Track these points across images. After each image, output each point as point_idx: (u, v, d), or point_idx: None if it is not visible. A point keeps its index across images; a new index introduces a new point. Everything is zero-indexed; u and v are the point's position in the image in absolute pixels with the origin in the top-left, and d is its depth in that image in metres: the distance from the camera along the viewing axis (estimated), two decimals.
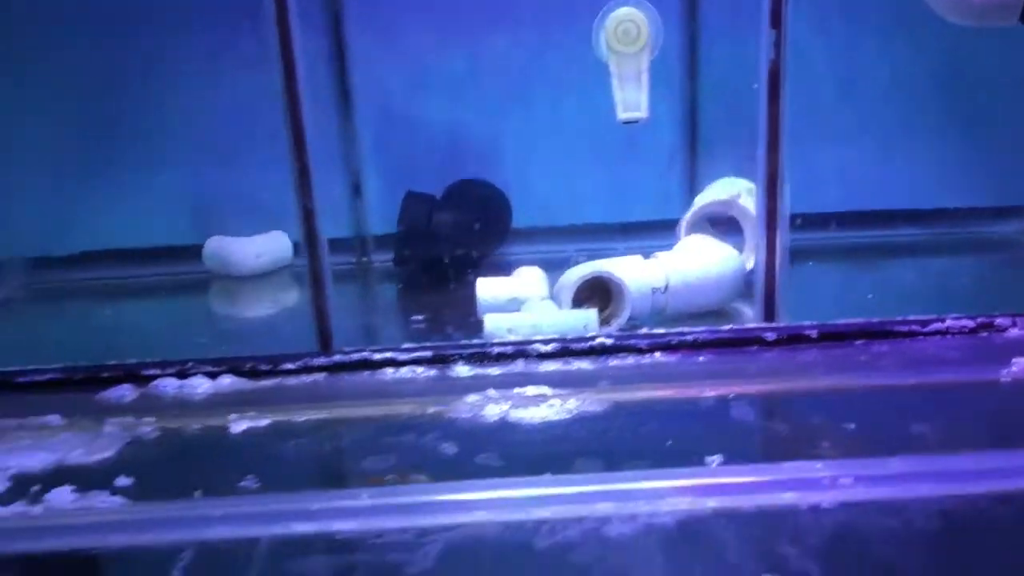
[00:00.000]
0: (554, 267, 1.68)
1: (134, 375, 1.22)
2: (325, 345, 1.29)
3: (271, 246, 1.75)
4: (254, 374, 1.23)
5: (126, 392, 1.19)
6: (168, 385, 1.21)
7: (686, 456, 0.99)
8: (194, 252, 1.76)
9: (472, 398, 1.14)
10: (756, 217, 1.53)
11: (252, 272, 1.73)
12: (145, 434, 1.09)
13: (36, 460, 1.03)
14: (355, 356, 1.24)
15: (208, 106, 1.73)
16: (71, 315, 1.65)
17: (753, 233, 1.55)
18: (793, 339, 1.26)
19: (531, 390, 1.15)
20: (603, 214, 1.77)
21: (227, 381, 1.22)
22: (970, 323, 1.26)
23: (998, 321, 1.26)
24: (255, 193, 1.77)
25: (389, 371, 1.24)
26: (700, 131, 1.70)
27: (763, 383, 1.16)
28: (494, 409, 1.11)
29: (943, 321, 1.26)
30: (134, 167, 1.73)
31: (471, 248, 1.72)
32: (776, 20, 1.18)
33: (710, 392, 1.14)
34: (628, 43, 1.21)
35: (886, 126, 1.68)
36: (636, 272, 1.40)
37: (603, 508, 0.90)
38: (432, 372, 1.23)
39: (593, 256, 1.74)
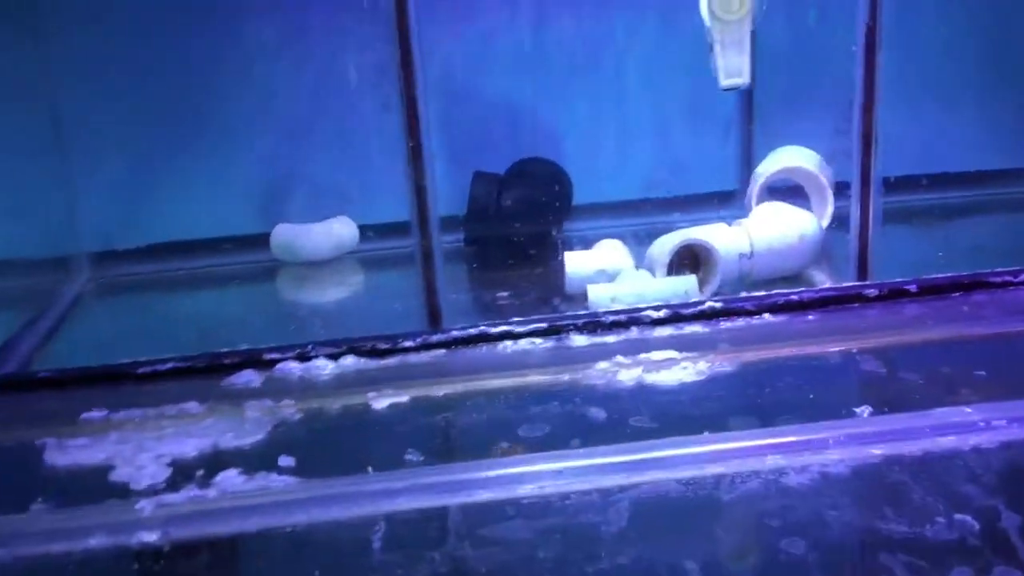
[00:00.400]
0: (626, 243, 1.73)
1: (256, 360, 1.23)
2: (435, 322, 1.31)
3: (337, 232, 1.76)
4: (375, 353, 1.24)
5: (252, 377, 1.20)
6: (292, 368, 1.22)
7: (834, 409, 1.02)
8: (261, 241, 1.75)
9: (602, 365, 1.16)
10: (825, 184, 1.58)
11: (320, 258, 1.74)
12: (289, 416, 1.10)
13: (189, 446, 1.04)
14: (472, 331, 1.26)
15: (272, 92, 1.72)
16: (147, 308, 1.64)
17: (821, 200, 1.59)
18: (894, 294, 1.30)
19: (657, 355, 1.17)
20: (661, 187, 1.79)
21: (349, 361, 1.23)
22: None
23: None
24: (319, 179, 1.77)
25: (507, 343, 1.26)
26: (756, 101, 1.73)
27: (881, 336, 1.20)
28: (627, 374, 1.14)
29: None
30: (198, 156, 1.72)
31: (538, 225, 1.74)
32: None
33: (832, 348, 1.17)
34: (732, 11, 1.23)
35: (943, 87, 1.72)
36: (724, 239, 1.43)
37: (773, 461, 0.93)
38: (549, 343, 1.25)
39: (657, 229, 1.78)
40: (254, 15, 1.71)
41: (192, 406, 1.13)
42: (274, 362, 1.23)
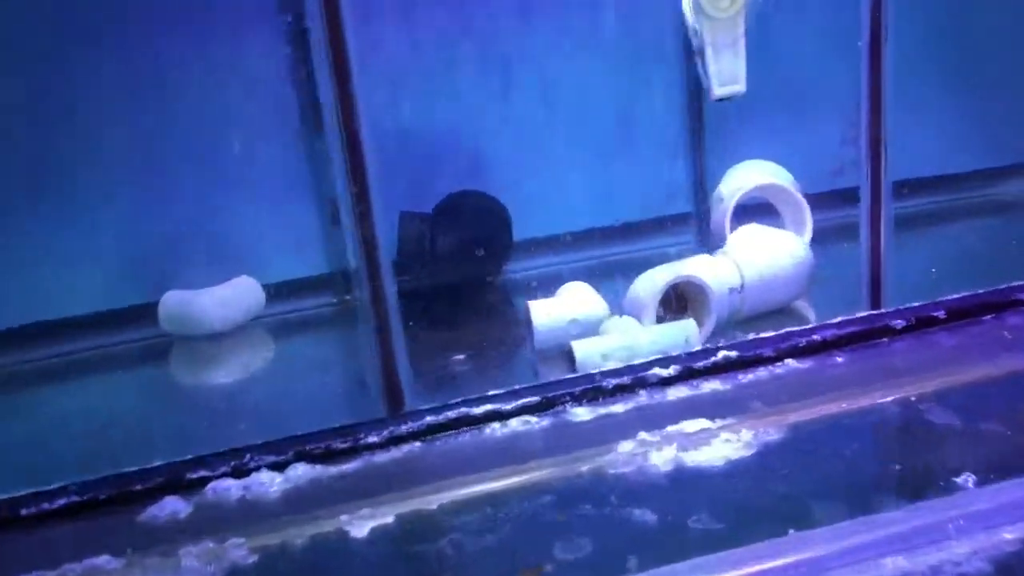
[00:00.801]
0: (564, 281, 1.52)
1: (179, 482, 0.95)
2: (395, 403, 1.06)
3: (239, 296, 1.47)
4: (331, 456, 0.98)
5: (177, 506, 0.92)
6: (228, 487, 0.94)
7: (930, 481, 0.84)
8: (146, 313, 1.45)
9: (626, 446, 0.94)
10: (801, 200, 1.42)
11: (221, 329, 1.45)
12: (240, 560, 0.83)
13: None
14: (450, 414, 1.02)
15: (145, 137, 1.43)
16: (13, 412, 1.31)
17: (796, 217, 1.43)
18: (922, 322, 1.14)
19: (688, 426, 0.97)
20: (609, 215, 1.60)
21: (300, 471, 0.96)
22: None
23: None
24: (211, 235, 1.49)
25: (495, 425, 1.02)
26: (706, 116, 1.56)
27: (931, 378, 1.02)
28: (660, 456, 0.92)
29: None
30: (59, 218, 1.41)
31: (477, 268, 1.51)
32: None
33: (885, 397, 0.99)
34: (723, 7, 1.04)
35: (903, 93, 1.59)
36: (713, 273, 1.24)
37: (894, 564, 0.74)
38: (546, 421, 1.03)
39: (612, 263, 1.58)
40: (121, 46, 1.41)
41: (104, 560, 0.84)
42: (203, 481, 0.95)
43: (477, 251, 1.50)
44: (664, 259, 1.58)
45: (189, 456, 0.98)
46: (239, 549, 0.84)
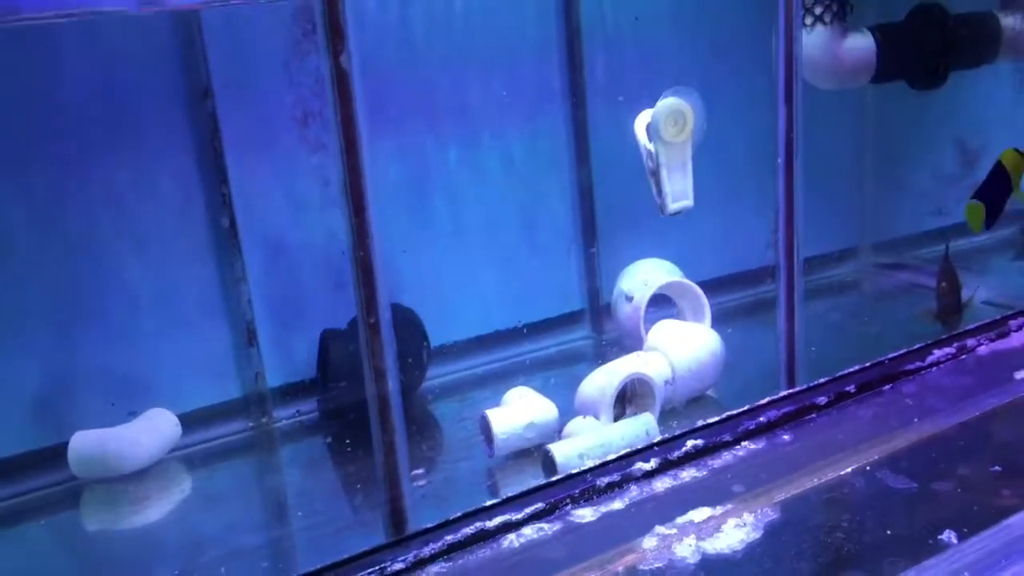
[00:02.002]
0: (489, 384, 1.58)
1: None
2: (399, 528, 1.07)
3: (156, 429, 1.39)
4: None
5: None
6: None
7: (919, 540, 0.98)
8: (48, 456, 1.34)
9: (650, 542, 1.01)
10: (700, 294, 1.56)
11: (139, 467, 1.36)
12: None
13: None
14: (467, 530, 1.04)
15: (44, 267, 1.34)
16: None
17: (694, 308, 1.57)
18: (840, 396, 1.30)
19: (695, 515, 1.05)
20: (509, 317, 1.67)
21: None
22: (951, 349, 1.41)
23: (968, 342, 1.42)
24: (118, 368, 1.40)
25: (510, 536, 1.05)
26: (597, 215, 1.68)
27: (871, 448, 1.17)
28: (683, 548, 1.00)
29: (931, 352, 1.39)
30: None
31: (403, 380, 1.52)
32: (789, 97, 1.22)
33: (844, 470, 1.13)
34: (675, 133, 1.16)
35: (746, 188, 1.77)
36: (651, 368, 1.35)
37: None
38: (556, 526, 1.07)
39: (526, 363, 1.65)
40: (22, 166, 1.32)
41: None
42: None
43: (403, 362, 1.52)
44: (568, 356, 1.69)
45: None
46: None
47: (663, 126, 1.19)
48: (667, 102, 1.20)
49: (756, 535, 1.02)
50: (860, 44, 1.60)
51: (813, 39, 1.52)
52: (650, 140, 1.22)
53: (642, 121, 1.24)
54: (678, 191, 1.22)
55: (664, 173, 1.21)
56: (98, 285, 1.39)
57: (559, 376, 1.59)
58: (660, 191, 1.23)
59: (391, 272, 1.56)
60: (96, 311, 1.39)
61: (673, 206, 1.23)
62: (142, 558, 1.19)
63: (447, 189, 1.60)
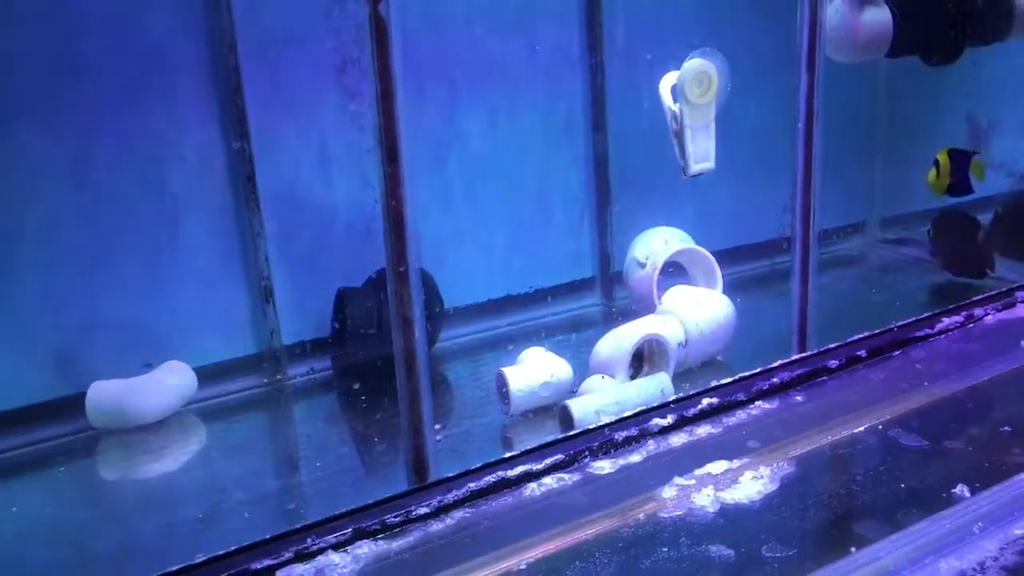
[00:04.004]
0: (501, 347, 1.59)
1: (244, 572, 0.92)
2: (420, 474, 1.08)
3: (174, 383, 1.41)
4: (388, 530, 0.99)
5: None
6: (301, 574, 0.93)
7: (934, 494, 1.00)
8: (64, 407, 1.35)
9: (669, 492, 1.03)
10: (712, 261, 1.58)
11: (154, 419, 1.38)
12: None
13: None
14: (489, 478, 1.06)
15: (66, 221, 1.34)
16: None
17: (707, 275, 1.58)
18: (851, 361, 1.32)
19: (712, 468, 1.07)
20: (521, 282, 1.68)
21: (364, 550, 0.96)
22: (959, 318, 1.43)
23: (976, 311, 1.45)
24: (137, 322, 1.41)
25: (531, 485, 1.07)
26: (611, 184, 1.70)
27: (884, 408, 1.19)
28: (701, 498, 1.02)
29: (940, 320, 1.42)
30: None
31: None
32: (811, 64, 1.23)
33: (857, 428, 1.15)
34: (700, 94, 1.18)
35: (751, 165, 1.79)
36: (666, 330, 1.37)
37: (947, 564, 0.88)
38: (576, 476, 1.09)
39: (538, 326, 1.67)
40: (32, 125, 1.33)
41: None
42: (271, 570, 0.93)
43: None
44: (579, 321, 1.71)
45: (247, 543, 0.95)
46: None
47: (689, 87, 1.21)
48: (693, 63, 1.22)
49: (773, 487, 1.04)
50: (877, 18, 1.61)
51: (831, 11, 1.53)
52: (675, 101, 1.23)
53: (667, 82, 1.25)
54: (700, 153, 1.23)
55: (688, 134, 1.22)
56: (118, 237, 1.40)
57: (570, 341, 1.61)
58: (683, 152, 1.24)
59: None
60: (115, 263, 1.40)
61: (695, 167, 1.25)
62: (163, 503, 1.20)
63: (463, 153, 1.61)
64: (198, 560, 0.93)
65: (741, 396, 1.24)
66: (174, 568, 0.92)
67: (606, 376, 1.30)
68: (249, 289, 1.49)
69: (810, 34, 1.24)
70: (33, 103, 1.32)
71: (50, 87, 1.33)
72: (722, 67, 1.23)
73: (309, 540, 0.96)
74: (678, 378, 1.38)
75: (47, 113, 1.33)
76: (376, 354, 1.48)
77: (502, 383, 1.32)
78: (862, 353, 1.34)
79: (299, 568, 0.94)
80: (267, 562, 0.94)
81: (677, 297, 1.45)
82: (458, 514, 1.03)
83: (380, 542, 0.98)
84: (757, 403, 1.24)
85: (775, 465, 1.08)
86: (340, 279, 1.52)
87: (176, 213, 1.43)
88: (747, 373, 1.27)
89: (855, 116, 1.91)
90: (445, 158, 1.60)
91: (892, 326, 1.40)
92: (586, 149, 1.68)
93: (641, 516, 1.00)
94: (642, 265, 1.56)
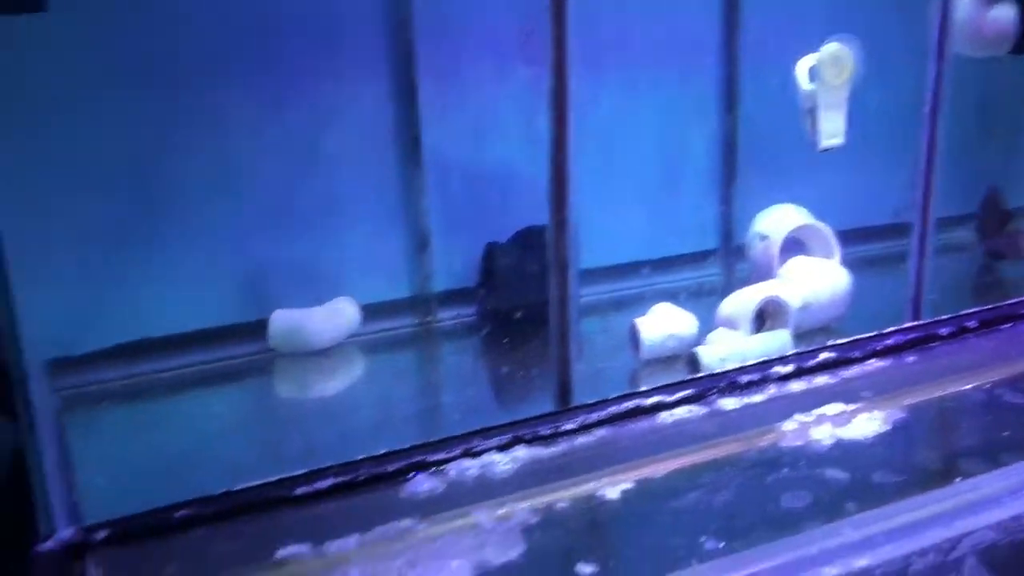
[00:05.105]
0: (625, 307, 1.73)
1: (421, 464, 1.09)
2: (564, 399, 1.24)
3: (342, 315, 1.60)
4: (540, 440, 1.15)
5: (432, 483, 1.06)
6: (466, 467, 1.09)
7: None
8: (242, 331, 1.55)
9: (789, 425, 1.16)
10: (831, 238, 1.68)
11: (323, 346, 1.57)
12: (526, 519, 0.98)
13: (458, 569, 0.90)
14: (628, 404, 1.21)
15: (255, 168, 1.54)
16: (161, 421, 1.38)
17: (824, 252, 1.69)
18: (961, 330, 1.42)
19: (828, 409, 1.20)
20: (647, 249, 1.82)
21: (521, 453, 1.12)
22: None
23: None
24: (311, 260, 1.61)
25: (663, 414, 1.22)
26: (738, 162, 1.82)
27: (992, 371, 1.30)
28: (819, 432, 1.15)
29: None
30: (173, 241, 1.50)
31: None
32: (941, 53, 1.34)
33: (964, 386, 1.26)
34: (837, 75, 1.30)
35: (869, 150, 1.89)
36: (788, 294, 1.49)
37: None
38: (703, 410, 1.23)
39: (662, 291, 1.80)
40: (227, 82, 1.53)
41: (407, 524, 0.98)
42: (442, 463, 1.10)
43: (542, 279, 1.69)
44: (700, 289, 1.83)
45: (422, 442, 1.12)
46: (520, 510, 1.00)
47: (825, 68, 1.32)
48: (831, 47, 1.33)
49: (885, 427, 1.16)
50: (1004, 14, 1.69)
51: (960, 4, 1.62)
52: (811, 81, 1.35)
53: (805, 64, 1.37)
54: (831, 130, 1.35)
55: (820, 113, 1.34)
56: (300, 187, 1.59)
57: (694, 304, 1.74)
58: (815, 129, 1.36)
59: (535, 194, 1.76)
60: (297, 210, 1.59)
61: (825, 143, 1.36)
62: (339, 413, 1.39)
63: (599, 125, 1.75)
64: (381, 452, 1.11)
65: (856, 354, 1.36)
66: (360, 457, 1.10)
67: (731, 330, 1.44)
68: (409, 239, 1.67)
69: (941, 25, 1.34)
70: (231, 66, 1.52)
71: (246, 51, 1.53)
72: (857, 53, 1.34)
73: (475, 442, 1.13)
74: (795, 340, 1.50)
75: (243, 75, 1.53)
76: (517, 303, 1.64)
77: (634, 332, 1.46)
78: (973, 324, 1.44)
79: (468, 462, 1.10)
80: (441, 455, 1.11)
81: (797, 266, 1.57)
82: (599, 432, 1.18)
83: (534, 448, 1.14)
84: (871, 361, 1.35)
85: (887, 411, 1.20)
86: (488, 235, 1.68)
87: (349, 169, 1.61)
88: (861, 336, 1.39)
89: (969, 108, 1.98)
90: (582, 128, 1.75)
91: (1002, 303, 1.50)
92: (717, 128, 1.81)
93: (764, 443, 1.14)
94: (764, 238, 1.68)
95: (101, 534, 0.95)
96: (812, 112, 1.34)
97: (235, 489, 1.03)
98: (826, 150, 1.37)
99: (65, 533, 0.95)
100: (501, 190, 1.71)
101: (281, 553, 0.93)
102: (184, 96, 1.49)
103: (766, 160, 1.82)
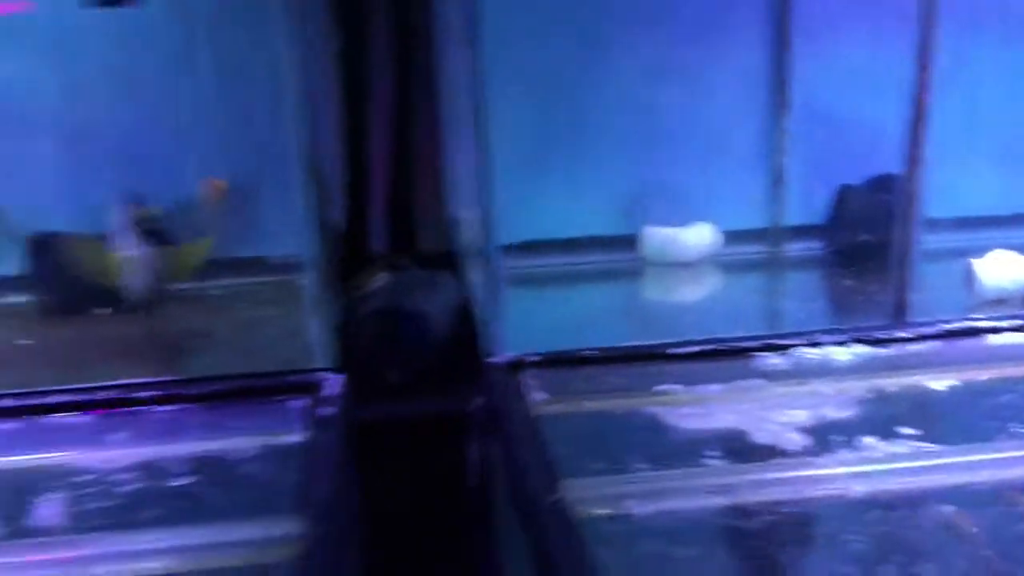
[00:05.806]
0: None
1: (773, 346, 1.34)
2: (898, 314, 1.43)
3: (706, 237, 1.88)
4: (875, 342, 1.36)
5: (777, 360, 1.31)
6: (807, 354, 1.33)
7: None
8: (618, 242, 1.88)
9: None
10: None
11: (689, 260, 1.86)
12: (862, 395, 1.21)
13: (800, 415, 1.15)
14: (960, 324, 1.38)
15: (649, 107, 1.85)
16: (574, 298, 1.77)
17: None
18: None
19: None
20: (1002, 205, 1.91)
21: (859, 350, 1.34)
22: None
23: None
24: (683, 187, 1.89)
25: (994, 337, 1.37)
26: None
27: None
28: None
29: None
30: (577, 161, 1.85)
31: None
32: None
33: None
34: None
35: None
36: None
37: None
38: None
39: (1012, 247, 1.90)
40: (643, 41, 1.83)
41: (759, 383, 1.24)
42: (787, 347, 1.34)
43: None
44: None
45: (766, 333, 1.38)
46: (857, 386, 1.22)
47: None
48: None
49: None
50: None
51: None
52: None
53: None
54: None
55: None
56: (679, 121, 1.87)
57: None
58: None
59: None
60: (676, 144, 1.87)
61: None
62: (701, 311, 1.67)
63: (971, 80, 1.86)
64: (748, 335, 1.37)
65: None
66: (723, 336, 1.37)
67: None
68: (768, 175, 1.90)
69: None
70: (644, 29, 1.83)
71: (655, 11, 1.83)
72: None
73: (818, 337, 1.35)
74: None
75: (651, 35, 1.83)
76: (865, 243, 1.82)
77: (969, 272, 1.59)
78: None
79: (811, 350, 1.33)
80: (787, 342, 1.34)
81: None
82: (931, 343, 1.36)
83: (871, 347, 1.35)
84: None
85: None
86: (844, 178, 1.87)
87: (723, 108, 1.87)
88: None
89: None
90: (960, 86, 1.87)
91: None
92: None
93: None
94: None
95: (532, 358, 1.31)
96: None
97: (622, 344, 1.35)
98: None
99: (508, 355, 1.31)
100: (860, 139, 1.88)
101: (658, 387, 1.23)
102: (606, 49, 1.82)
103: None
